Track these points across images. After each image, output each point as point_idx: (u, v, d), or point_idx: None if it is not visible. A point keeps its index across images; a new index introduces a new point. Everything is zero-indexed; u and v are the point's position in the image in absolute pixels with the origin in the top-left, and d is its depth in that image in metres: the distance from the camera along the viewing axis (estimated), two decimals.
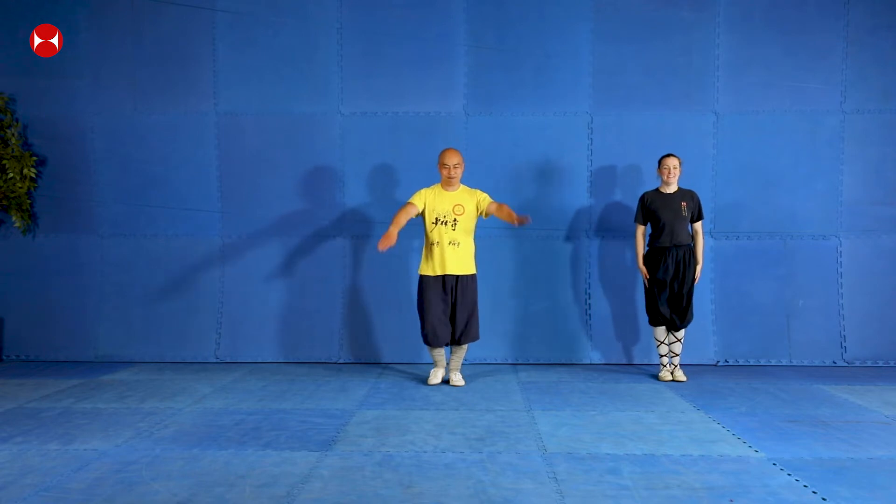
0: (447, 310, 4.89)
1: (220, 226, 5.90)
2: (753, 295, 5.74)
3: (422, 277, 4.91)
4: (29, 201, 5.87)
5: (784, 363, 5.70)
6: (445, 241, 4.79)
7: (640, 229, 5.25)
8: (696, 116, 5.74)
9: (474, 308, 4.93)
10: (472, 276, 4.92)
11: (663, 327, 5.18)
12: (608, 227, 5.79)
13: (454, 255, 4.80)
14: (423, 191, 4.93)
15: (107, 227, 5.94)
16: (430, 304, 4.85)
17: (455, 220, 4.80)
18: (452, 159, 4.84)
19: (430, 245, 4.86)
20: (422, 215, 4.90)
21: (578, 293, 5.79)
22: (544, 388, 4.91)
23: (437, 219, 4.82)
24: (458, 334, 4.91)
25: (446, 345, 4.98)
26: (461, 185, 4.94)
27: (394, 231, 4.66)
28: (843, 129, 5.72)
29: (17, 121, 5.87)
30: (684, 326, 5.10)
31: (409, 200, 4.89)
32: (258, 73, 5.84)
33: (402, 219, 4.81)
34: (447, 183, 4.87)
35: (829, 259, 5.74)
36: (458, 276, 4.84)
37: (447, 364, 5.09)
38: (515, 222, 4.71)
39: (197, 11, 5.85)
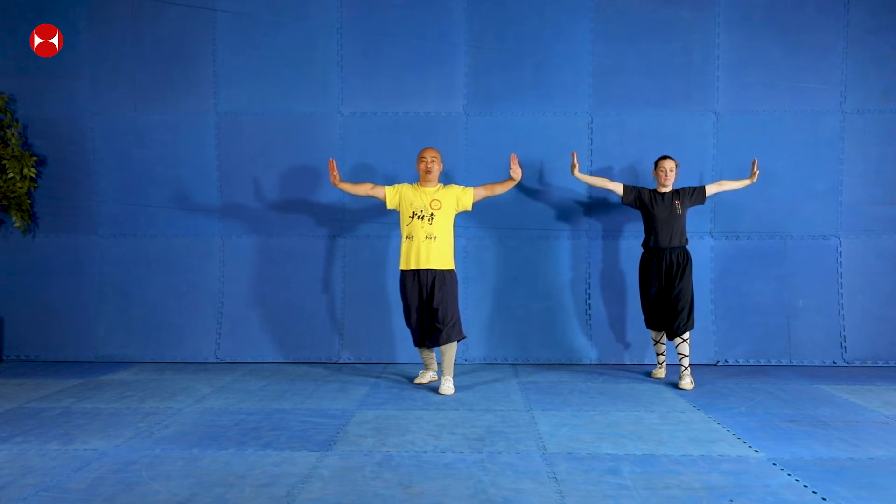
0: (425, 307, 4.82)
1: (220, 226, 5.90)
2: (753, 295, 5.74)
3: (400, 274, 4.89)
4: (29, 201, 5.87)
5: (784, 363, 5.70)
6: (421, 236, 4.75)
7: (618, 185, 5.16)
8: (696, 116, 5.75)
9: (452, 305, 4.78)
10: (450, 271, 4.81)
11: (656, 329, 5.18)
12: (608, 227, 5.79)
13: (430, 250, 4.74)
14: (402, 185, 4.93)
15: (107, 227, 5.95)
16: (407, 302, 4.85)
17: (432, 214, 4.78)
18: (430, 153, 4.86)
19: (405, 239, 4.82)
20: (398, 210, 4.91)
21: (578, 293, 5.79)
22: (544, 388, 4.91)
23: (413, 213, 4.80)
24: (437, 334, 4.78)
25: (430, 345, 4.93)
26: (439, 183, 4.94)
27: (341, 182, 4.93)
28: (843, 129, 5.72)
29: (17, 121, 5.87)
30: (679, 334, 4.94)
31: (385, 185, 4.96)
32: (258, 73, 5.85)
33: (362, 187, 4.97)
34: (425, 178, 4.86)
35: (828, 259, 5.74)
36: (435, 271, 4.77)
37: (439, 367, 5.07)
38: (513, 178, 4.86)
39: (197, 11, 5.85)
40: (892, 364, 5.67)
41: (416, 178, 5.01)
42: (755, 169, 5.12)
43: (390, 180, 5.61)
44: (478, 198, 4.93)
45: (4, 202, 5.77)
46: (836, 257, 5.74)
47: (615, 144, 5.75)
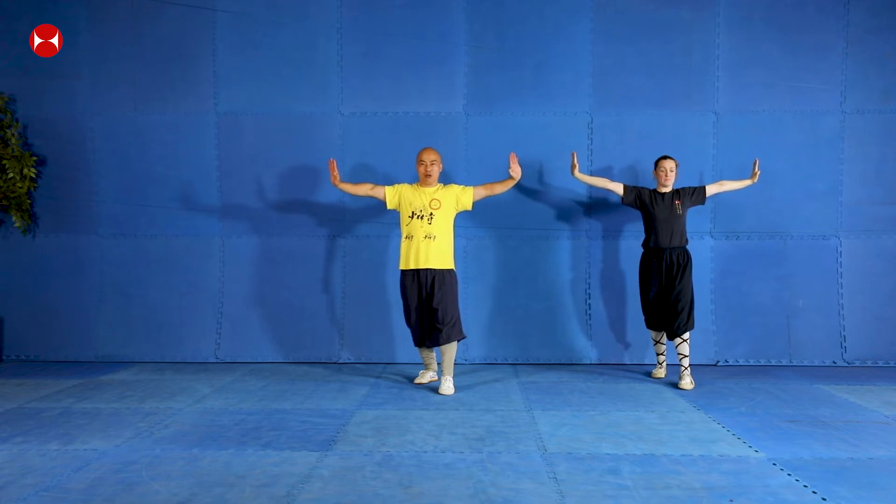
0: (425, 307, 4.82)
1: (220, 226, 5.90)
2: (753, 295, 5.74)
3: (400, 274, 4.89)
4: (29, 201, 5.87)
5: (784, 363, 5.70)
6: (420, 235, 4.75)
7: (618, 185, 5.16)
8: (696, 116, 5.75)
9: (452, 304, 4.78)
10: (450, 271, 4.81)
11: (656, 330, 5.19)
12: (608, 227, 5.79)
13: (429, 249, 4.74)
14: (402, 185, 4.94)
15: (107, 227, 5.95)
16: (407, 301, 4.85)
17: (431, 213, 4.78)
18: (429, 156, 4.84)
19: (404, 239, 4.82)
20: (398, 210, 4.92)
21: (578, 293, 5.79)
22: (544, 388, 4.91)
23: (413, 213, 4.80)
24: (437, 334, 4.78)
25: (430, 345, 4.94)
26: (438, 183, 4.93)
27: (342, 182, 4.96)
28: (843, 129, 5.72)
29: (17, 121, 5.87)
30: (679, 334, 4.94)
31: (385, 186, 4.97)
32: (258, 73, 5.85)
33: (363, 187, 4.98)
34: (424, 180, 4.85)
35: (828, 259, 5.74)
36: (434, 271, 4.77)
37: (439, 367, 5.07)
38: (513, 177, 4.85)
39: (197, 11, 5.85)
40: (892, 364, 5.68)
41: (416, 178, 5.01)
42: (756, 169, 5.12)
43: (390, 180, 5.61)
44: (477, 197, 4.93)
45: (4, 202, 5.77)
46: (836, 257, 5.74)
47: (615, 144, 5.75)
